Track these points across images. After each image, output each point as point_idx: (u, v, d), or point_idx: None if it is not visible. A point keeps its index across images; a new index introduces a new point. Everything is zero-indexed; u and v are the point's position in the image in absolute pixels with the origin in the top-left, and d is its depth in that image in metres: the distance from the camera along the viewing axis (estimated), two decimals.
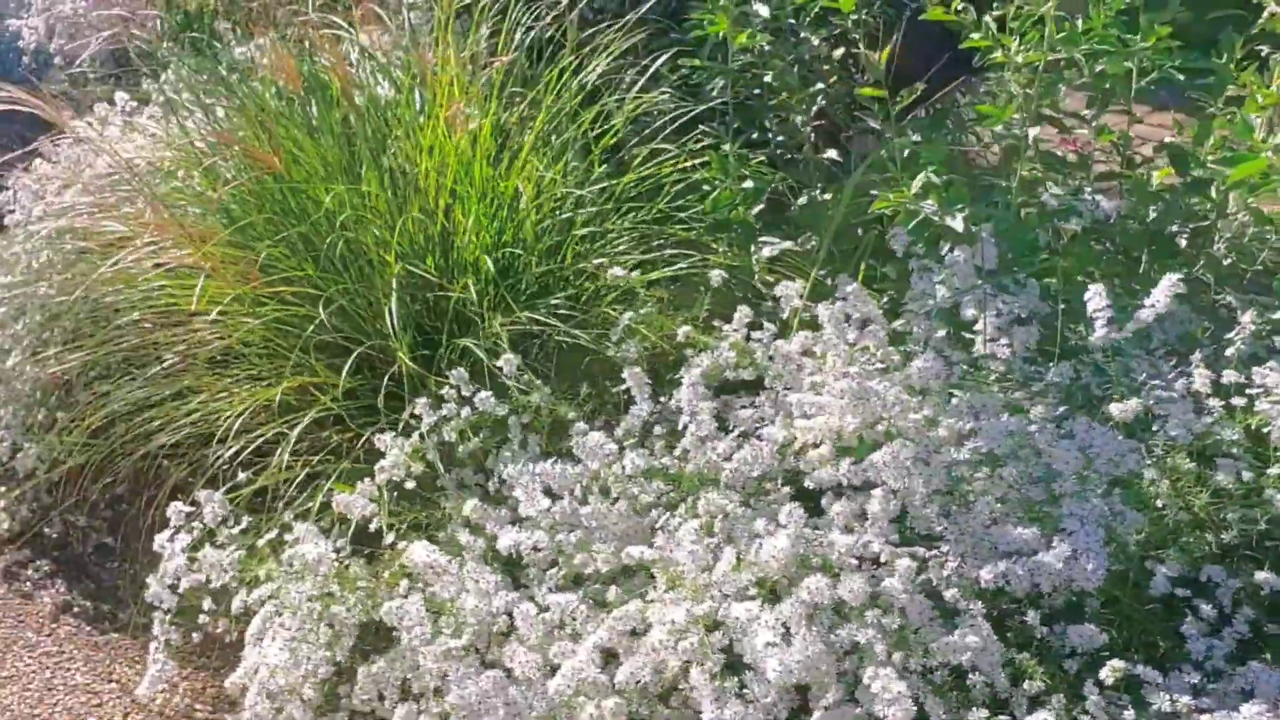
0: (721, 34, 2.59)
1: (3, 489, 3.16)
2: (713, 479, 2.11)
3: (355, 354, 2.37)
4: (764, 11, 2.56)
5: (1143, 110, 2.90)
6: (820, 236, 2.72)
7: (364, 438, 2.42)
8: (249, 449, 2.46)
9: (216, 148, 2.96)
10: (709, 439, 2.15)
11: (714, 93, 2.66)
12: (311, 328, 2.42)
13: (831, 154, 2.75)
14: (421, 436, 2.20)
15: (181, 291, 2.84)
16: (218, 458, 2.53)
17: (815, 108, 2.69)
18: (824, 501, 2.06)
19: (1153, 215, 2.69)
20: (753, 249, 2.56)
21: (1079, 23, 2.28)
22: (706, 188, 2.66)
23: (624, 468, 2.10)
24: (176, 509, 2.13)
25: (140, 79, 4.49)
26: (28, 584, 3.01)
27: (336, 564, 2.06)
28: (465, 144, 2.65)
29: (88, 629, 2.86)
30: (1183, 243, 2.72)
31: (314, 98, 2.70)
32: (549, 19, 2.83)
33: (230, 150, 2.82)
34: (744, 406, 2.34)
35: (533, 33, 2.83)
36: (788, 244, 2.58)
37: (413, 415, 2.30)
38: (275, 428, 2.49)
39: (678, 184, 2.74)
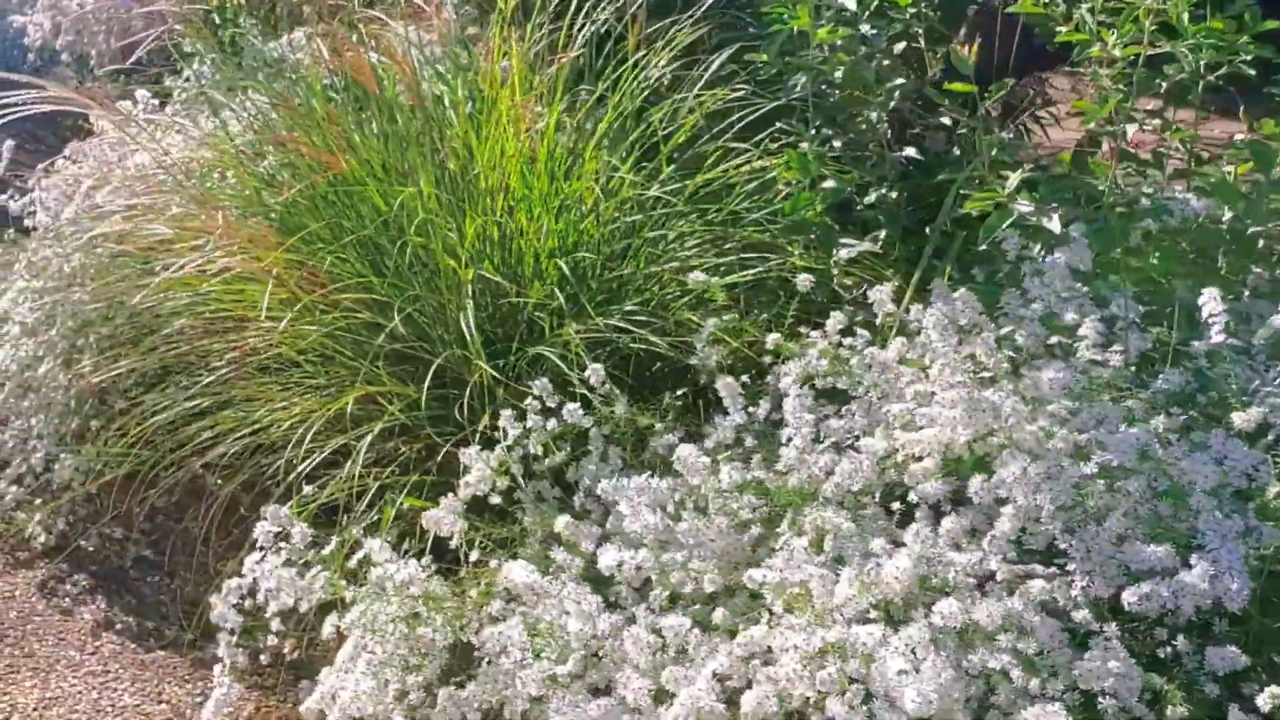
0: (797, 29, 2.49)
1: (38, 501, 3.05)
2: (811, 493, 2.02)
3: (435, 365, 2.27)
4: (851, 4, 2.46)
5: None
6: (893, 237, 2.64)
7: (434, 450, 2.33)
8: (315, 461, 2.35)
9: (260, 147, 2.86)
10: (806, 451, 2.07)
11: (796, 89, 2.56)
12: (382, 336, 2.31)
13: (910, 151, 2.66)
14: (508, 449, 2.10)
15: (229, 297, 2.73)
16: (275, 470, 2.43)
17: (892, 103, 2.59)
18: (917, 515, 1.99)
19: (1229, 215, 2.62)
20: (833, 251, 2.46)
21: (1184, 16, 2.20)
22: (781, 187, 2.57)
23: (720, 482, 2.02)
24: (264, 529, 2.03)
25: (155, 75, 4.39)
26: (66, 599, 2.91)
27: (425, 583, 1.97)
28: (528, 144, 2.56)
29: (132, 646, 2.75)
30: (1260, 243, 2.65)
31: (374, 96, 2.59)
32: (611, 13, 2.73)
33: (281, 150, 2.71)
34: (828, 416, 2.25)
35: (594, 27, 2.73)
36: (866, 245, 2.49)
37: (491, 426, 2.20)
38: (339, 439, 2.39)
39: (748, 183, 2.64)
